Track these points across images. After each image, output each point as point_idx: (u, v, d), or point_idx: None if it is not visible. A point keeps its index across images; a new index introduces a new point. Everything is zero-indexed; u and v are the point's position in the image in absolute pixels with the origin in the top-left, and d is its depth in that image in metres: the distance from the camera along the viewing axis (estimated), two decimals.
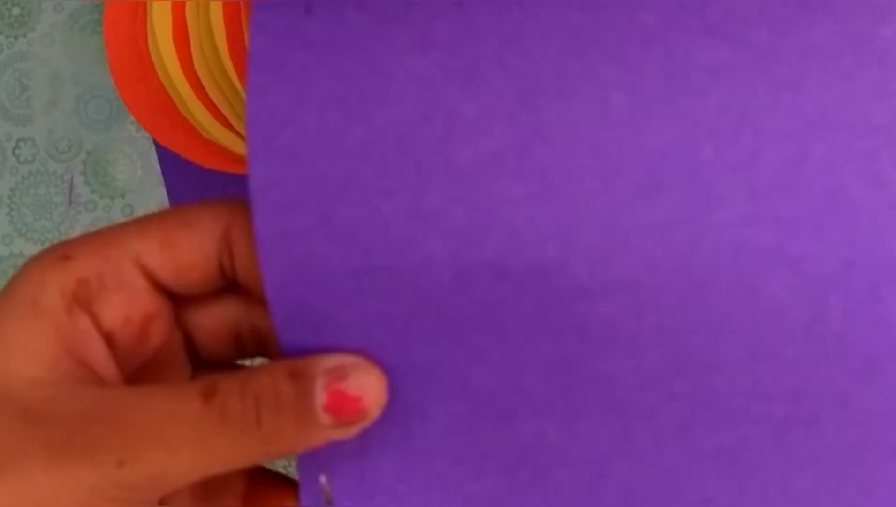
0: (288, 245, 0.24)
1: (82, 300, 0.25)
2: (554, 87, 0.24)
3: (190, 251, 0.25)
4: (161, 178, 0.43)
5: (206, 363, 0.28)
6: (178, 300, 0.26)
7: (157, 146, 0.42)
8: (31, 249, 0.44)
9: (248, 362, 0.28)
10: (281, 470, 0.32)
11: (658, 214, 0.23)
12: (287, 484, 0.27)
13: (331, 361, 0.24)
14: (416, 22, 0.24)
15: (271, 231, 0.24)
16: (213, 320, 0.27)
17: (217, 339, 0.27)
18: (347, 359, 0.24)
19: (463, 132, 0.23)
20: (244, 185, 0.41)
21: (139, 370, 0.26)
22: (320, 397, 0.23)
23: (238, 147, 0.38)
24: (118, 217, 0.43)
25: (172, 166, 0.42)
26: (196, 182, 0.42)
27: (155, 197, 0.43)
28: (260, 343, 0.27)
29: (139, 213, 0.43)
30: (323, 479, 0.25)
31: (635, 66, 0.23)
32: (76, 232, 0.44)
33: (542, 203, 0.23)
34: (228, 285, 0.26)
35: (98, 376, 0.25)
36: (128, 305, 0.25)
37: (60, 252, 0.25)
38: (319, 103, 0.23)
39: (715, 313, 0.24)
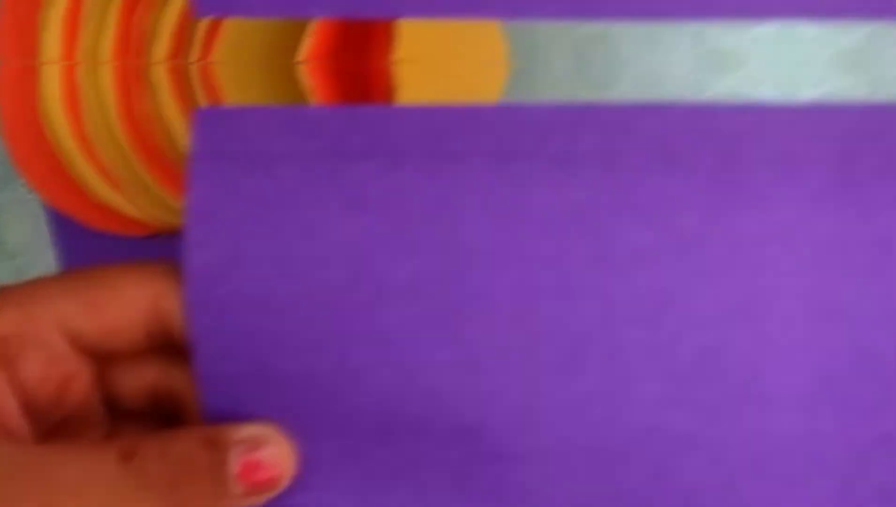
0: (225, 389, 0.25)
1: (1, 358, 0.25)
2: (482, 258, 0.25)
3: (116, 317, 0.25)
4: (51, 239, 0.43)
5: (124, 415, 0.28)
6: (99, 359, 0.27)
7: (47, 208, 0.42)
8: None
9: None
10: None
11: (576, 388, 0.25)
12: None
13: (245, 430, 0.25)
14: (349, 182, 0.25)
15: (210, 373, 0.25)
16: (133, 380, 0.28)
17: (135, 397, 0.28)
18: (261, 429, 0.25)
19: (391, 297, 0.25)
20: (133, 247, 0.41)
21: (56, 424, 0.27)
22: (233, 466, 0.24)
23: (126, 209, 0.39)
24: (9, 278, 0.43)
25: (63, 228, 0.42)
26: (87, 244, 0.42)
27: (45, 259, 0.43)
28: (176, 406, 0.28)
29: (30, 275, 0.43)
30: None
31: (563, 244, 0.25)
32: None
33: (464, 370, 0.25)
34: (152, 345, 0.27)
35: (9, 431, 0.25)
36: (47, 365, 0.25)
37: None
38: (255, 261, 0.25)
39: (625, 491, 0.25)
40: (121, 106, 0.36)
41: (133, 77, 0.37)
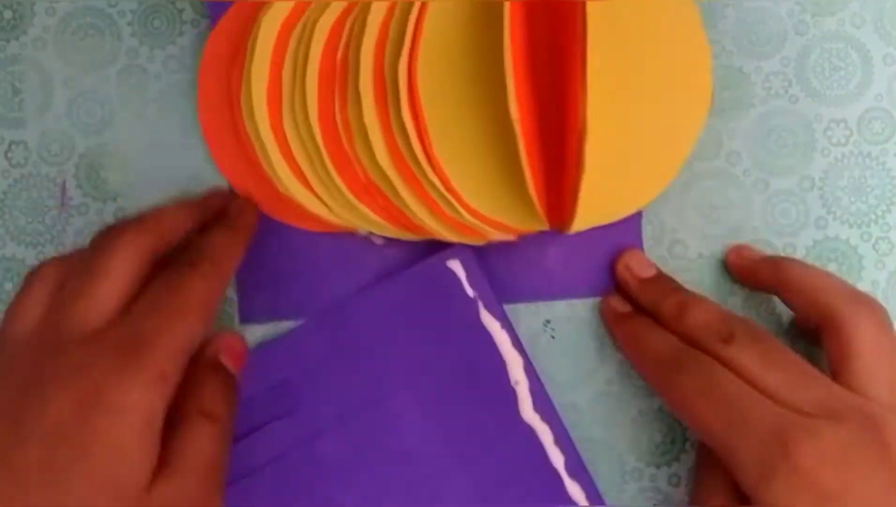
0: None
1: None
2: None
3: None
4: (151, 182, 0.44)
5: None
6: None
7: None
8: (23, 253, 0.44)
9: None
10: None
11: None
12: None
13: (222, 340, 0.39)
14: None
15: None
16: None
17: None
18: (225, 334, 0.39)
19: None
20: (306, 237, 0.42)
21: None
22: (225, 362, 0.38)
23: (313, 206, 0.40)
24: (110, 220, 0.44)
25: None
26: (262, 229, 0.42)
27: (146, 200, 0.44)
28: None
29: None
30: None
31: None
32: (68, 235, 0.44)
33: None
34: None
35: None
36: None
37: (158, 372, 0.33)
38: None
39: None
40: (322, 108, 0.37)
41: (337, 87, 0.37)
